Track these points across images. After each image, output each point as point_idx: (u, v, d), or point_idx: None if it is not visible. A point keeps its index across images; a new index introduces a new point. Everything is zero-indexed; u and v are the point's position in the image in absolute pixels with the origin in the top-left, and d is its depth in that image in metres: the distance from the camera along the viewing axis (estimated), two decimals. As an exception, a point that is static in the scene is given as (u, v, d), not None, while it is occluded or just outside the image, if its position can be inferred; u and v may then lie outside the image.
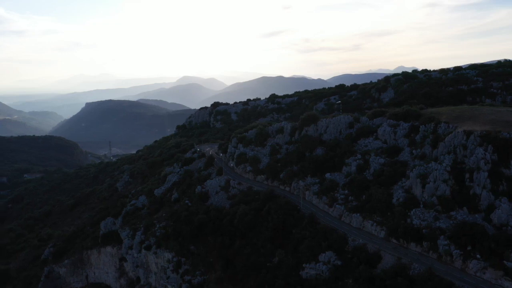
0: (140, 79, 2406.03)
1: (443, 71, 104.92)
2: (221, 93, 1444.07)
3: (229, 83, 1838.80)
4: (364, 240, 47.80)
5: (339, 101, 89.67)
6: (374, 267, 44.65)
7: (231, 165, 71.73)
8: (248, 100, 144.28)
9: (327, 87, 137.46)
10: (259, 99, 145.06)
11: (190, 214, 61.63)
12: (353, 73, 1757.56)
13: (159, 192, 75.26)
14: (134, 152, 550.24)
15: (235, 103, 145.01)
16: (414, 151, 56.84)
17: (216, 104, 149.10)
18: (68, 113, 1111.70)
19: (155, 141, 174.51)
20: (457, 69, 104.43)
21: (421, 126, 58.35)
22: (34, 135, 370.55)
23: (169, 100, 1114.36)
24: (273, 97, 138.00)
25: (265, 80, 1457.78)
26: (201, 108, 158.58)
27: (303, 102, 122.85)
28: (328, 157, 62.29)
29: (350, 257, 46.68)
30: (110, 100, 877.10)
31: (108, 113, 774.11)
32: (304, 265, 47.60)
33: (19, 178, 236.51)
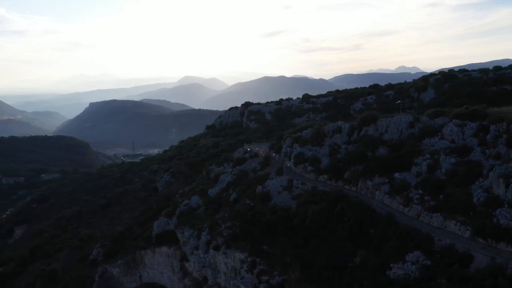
0: (141, 79, 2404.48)
1: (483, 71, 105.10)
2: (223, 93, 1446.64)
3: (230, 83, 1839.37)
4: (450, 239, 47.85)
5: (399, 101, 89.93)
6: (467, 267, 44.66)
7: (288, 165, 71.77)
8: (281, 99, 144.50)
9: (359, 87, 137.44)
10: (291, 98, 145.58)
11: (255, 214, 61.55)
12: (354, 73, 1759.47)
13: (214, 192, 75.15)
14: (141, 152, 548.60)
15: (267, 103, 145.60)
16: (486, 150, 56.97)
17: (247, 104, 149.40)
18: (70, 113, 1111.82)
19: (181, 141, 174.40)
20: (498, 68, 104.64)
21: (491, 126, 58.39)
22: (46, 135, 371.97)
23: (172, 100, 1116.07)
24: (306, 97, 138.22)
25: (267, 80, 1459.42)
26: (231, 108, 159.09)
27: (339, 102, 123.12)
28: (393, 157, 62.20)
29: (439, 257, 46.70)
30: (114, 100, 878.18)
31: (112, 113, 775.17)
32: (391, 265, 47.57)
33: (36, 178, 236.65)
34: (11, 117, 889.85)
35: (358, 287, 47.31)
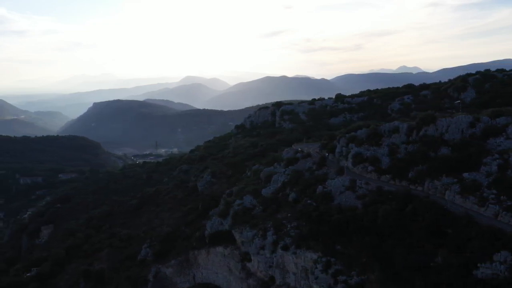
0: (142, 79, 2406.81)
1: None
2: (225, 93, 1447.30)
3: (231, 83, 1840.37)
4: (536, 239, 47.83)
5: (458, 101, 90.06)
6: (558, 267, 44.73)
7: (345, 164, 71.72)
8: (313, 99, 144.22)
9: (397, 87, 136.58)
10: (324, 98, 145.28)
11: (322, 214, 61.53)
12: (356, 73, 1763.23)
13: (268, 192, 75.00)
14: (148, 152, 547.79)
15: (300, 103, 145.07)
16: (558, 150, 57.11)
17: (279, 104, 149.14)
18: (72, 113, 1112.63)
19: (208, 141, 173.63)
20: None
21: (560, 125, 58.57)
22: (57, 135, 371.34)
23: (174, 100, 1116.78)
24: (340, 96, 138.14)
25: (269, 80, 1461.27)
26: (261, 108, 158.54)
27: (375, 102, 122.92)
28: (460, 156, 62.13)
29: (528, 257, 46.73)
30: (118, 100, 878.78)
31: (117, 113, 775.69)
32: (478, 264, 47.54)
33: (54, 178, 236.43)
34: (15, 117, 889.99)
35: (446, 287, 47.36)
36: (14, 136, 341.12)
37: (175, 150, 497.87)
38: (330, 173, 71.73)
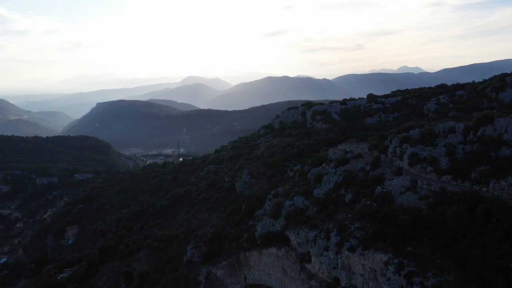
0: (143, 79, 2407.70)
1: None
2: (227, 93, 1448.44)
3: (233, 83, 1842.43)
4: None
5: None
6: None
7: (400, 165, 71.29)
8: (345, 99, 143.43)
9: (429, 87, 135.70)
10: (355, 99, 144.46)
11: (387, 215, 61.05)
12: (357, 73, 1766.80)
13: (320, 192, 74.49)
14: (154, 152, 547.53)
15: (331, 103, 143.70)
16: None
17: (309, 104, 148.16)
18: (75, 113, 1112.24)
19: (234, 141, 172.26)
20: None
21: None
22: (69, 135, 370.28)
23: (176, 100, 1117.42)
24: (373, 97, 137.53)
25: (270, 80, 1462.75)
26: (290, 108, 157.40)
27: (409, 102, 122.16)
28: (524, 157, 61.70)
29: None
30: (122, 100, 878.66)
31: (121, 113, 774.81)
32: None
33: (69, 179, 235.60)
34: (18, 117, 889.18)
35: (531, 288, 47.02)
36: (26, 136, 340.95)
37: (181, 150, 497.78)
38: (386, 173, 71.21)
